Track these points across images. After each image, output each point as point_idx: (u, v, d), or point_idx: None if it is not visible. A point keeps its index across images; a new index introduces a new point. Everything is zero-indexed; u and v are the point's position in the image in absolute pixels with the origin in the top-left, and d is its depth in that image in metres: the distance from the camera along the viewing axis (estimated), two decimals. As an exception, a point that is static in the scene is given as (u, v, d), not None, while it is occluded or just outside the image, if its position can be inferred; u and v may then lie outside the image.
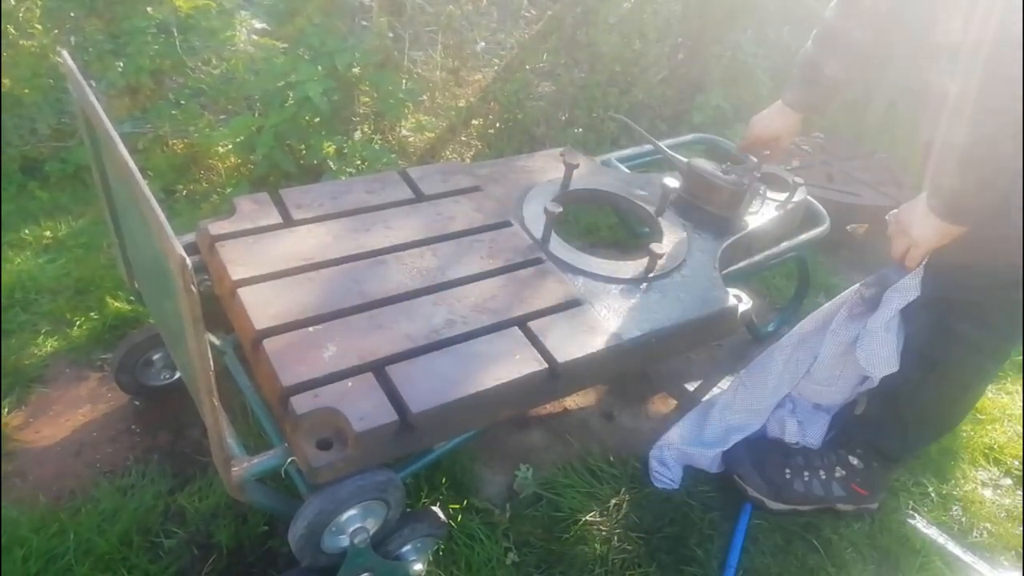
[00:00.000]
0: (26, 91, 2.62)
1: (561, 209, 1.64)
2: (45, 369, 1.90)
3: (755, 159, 1.93)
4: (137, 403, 1.83)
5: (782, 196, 2.02)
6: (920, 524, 1.82)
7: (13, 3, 2.62)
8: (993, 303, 1.50)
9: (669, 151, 2.07)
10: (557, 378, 1.39)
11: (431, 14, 3.02)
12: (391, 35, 2.83)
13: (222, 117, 2.92)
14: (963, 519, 1.87)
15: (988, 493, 1.95)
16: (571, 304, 1.52)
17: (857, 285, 1.71)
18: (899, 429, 1.73)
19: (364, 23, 2.86)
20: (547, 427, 1.94)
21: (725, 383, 2.05)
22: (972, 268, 1.47)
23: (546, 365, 1.36)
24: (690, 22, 3.18)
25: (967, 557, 1.76)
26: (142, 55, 2.65)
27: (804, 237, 2.02)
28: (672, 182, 1.82)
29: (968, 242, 1.40)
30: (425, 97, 3.14)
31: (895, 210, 1.52)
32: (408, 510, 1.53)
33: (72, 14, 2.75)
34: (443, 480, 1.73)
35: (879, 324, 1.61)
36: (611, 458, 1.86)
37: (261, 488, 1.29)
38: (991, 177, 1.27)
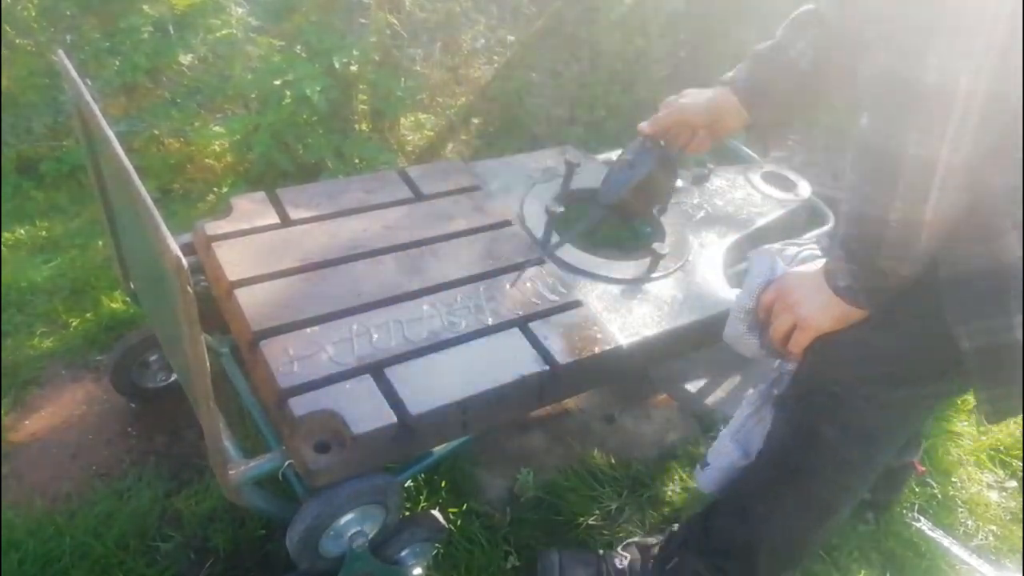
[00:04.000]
0: (22, 90, 2.60)
1: (562, 208, 1.63)
2: (41, 371, 1.89)
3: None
4: (133, 405, 1.82)
5: (786, 195, 2.00)
6: (925, 527, 1.81)
7: (9, 1, 2.61)
8: (860, 403, 1.16)
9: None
10: (558, 380, 1.37)
11: (430, 11, 3.01)
12: (389, 32, 2.81)
13: (218, 116, 2.91)
14: (968, 522, 1.85)
15: (994, 496, 1.93)
16: (572, 305, 1.50)
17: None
18: (745, 554, 1.36)
19: (362, 20, 2.84)
20: (548, 430, 1.92)
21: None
22: (834, 354, 1.14)
23: (547, 367, 1.35)
24: (693, 19, 3.16)
25: (972, 560, 1.74)
26: (138, 53, 2.64)
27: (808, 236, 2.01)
28: (676, 182, 1.79)
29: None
30: (424, 95, 3.13)
31: (774, 279, 1.22)
32: (407, 514, 1.51)
33: (68, 13, 2.73)
34: (442, 483, 1.72)
35: (727, 433, 1.38)
36: (612, 461, 1.84)
37: (258, 491, 1.28)
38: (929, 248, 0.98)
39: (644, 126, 1.50)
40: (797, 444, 1.27)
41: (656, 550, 1.53)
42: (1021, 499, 1.93)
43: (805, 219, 2.06)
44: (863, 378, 1.14)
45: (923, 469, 1.87)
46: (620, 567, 1.52)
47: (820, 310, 1.11)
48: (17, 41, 2.67)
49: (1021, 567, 1.76)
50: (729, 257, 1.79)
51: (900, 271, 0.98)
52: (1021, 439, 2.08)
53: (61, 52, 1.25)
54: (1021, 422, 2.13)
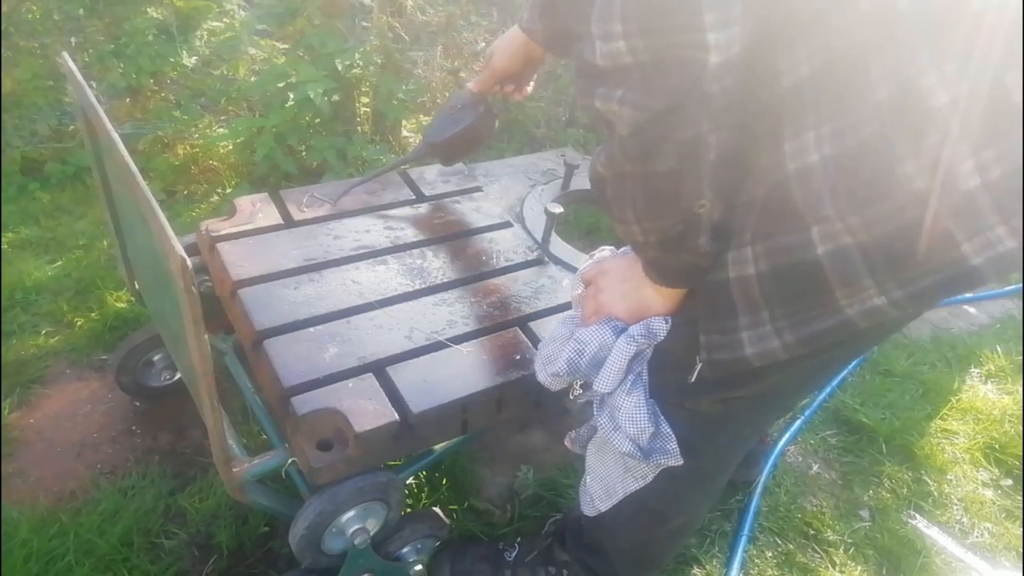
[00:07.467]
0: (26, 92, 2.62)
1: (562, 209, 1.64)
2: (45, 370, 1.90)
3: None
4: (138, 404, 1.83)
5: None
6: (921, 524, 1.82)
7: (13, 3, 2.63)
8: (670, 411, 1.09)
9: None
10: (557, 379, 1.39)
11: (431, 15, 3.02)
12: (391, 36, 2.83)
13: (222, 118, 2.93)
14: (964, 519, 1.87)
15: (989, 493, 1.95)
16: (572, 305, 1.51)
17: None
18: (603, 553, 1.40)
19: (364, 24, 2.85)
20: (548, 428, 1.93)
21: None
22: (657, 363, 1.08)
23: (547, 366, 1.36)
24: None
25: (968, 558, 1.76)
26: (142, 56, 2.66)
27: None
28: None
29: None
30: (425, 97, 3.14)
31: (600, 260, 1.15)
32: (409, 511, 1.53)
33: (72, 15, 2.75)
34: (443, 481, 1.73)
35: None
36: (612, 459, 1.86)
37: (262, 489, 1.29)
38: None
39: (471, 86, 1.62)
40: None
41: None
42: (1019, 496, 1.94)
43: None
44: (663, 385, 1.08)
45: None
46: (508, 559, 1.54)
47: (618, 298, 1.07)
48: (21, 43, 2.68)
49: (1021, 565, 1.77)
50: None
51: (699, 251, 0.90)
52: (1017, 437, 2.09)
53: (66, 55, 1.26)
54: (1020, 421, 2.14)
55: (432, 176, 1.82)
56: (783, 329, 0.89)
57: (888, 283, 0.81)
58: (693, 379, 1.01)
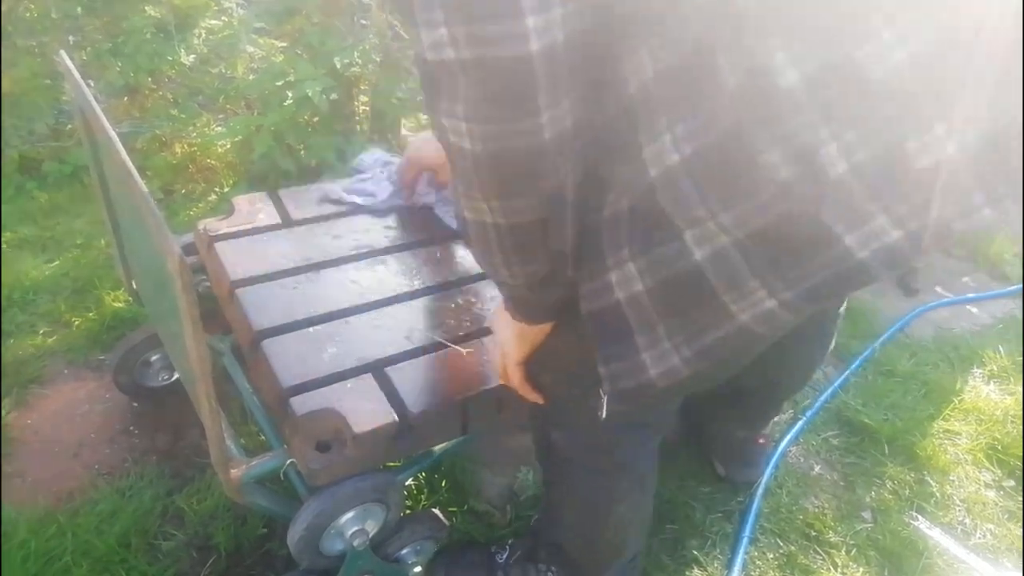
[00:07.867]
0: (24, 91, 2.61)
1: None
2: (43, 369, 1.90)
3: None
4: (135, 404, 1.82)
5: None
6: (923, 525, 1.82)
7: (12, 2, 2.62)
8: (571, 408, 1.08)
9: None
10: (558, 379, 1.38)
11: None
12: (390, 34, 2.82)
13: (220, 117, 2.92)
14: (966, 520, 1.86)
15: (991, 494, 1.94)
16: (572, 304, 1.51)
17: None
18: (565, 553, 1.41)
19: (363, 22, 2.84)
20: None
21: None
22: (535, 361, 1.07)
23: (547, 366, 1.35)
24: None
25: (970, 559, 1.75)
26: (140, 54, 2.65)
27: None
28: None
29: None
30: (425, 96, 3.13)
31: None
32: (408, 512, 1.52)
33: (70, 14, 2.74)
34: (443, 482, 1.72)
35: None
36: (612, 459, 1.85)
37: (260, 490, 1.28)
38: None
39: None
40: (541, 448, 1.26)
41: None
42: (1020, 497, 1.94)
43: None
44: (560, 383, 1.07)
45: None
46: (499, 561, 1.52)
47: (513, 337, 1.03)
48: (19, 42, 2.68)
49: (1021, 566, 1.77)
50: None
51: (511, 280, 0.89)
52: (1019, 438, 2.08)
53: (64, 53, 1.26)
54: (1022, 422, 2.14)
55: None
56: (680, 344, 0.84)
57: (775, 283, 0.76)
58: (603, 415, 0.96)
